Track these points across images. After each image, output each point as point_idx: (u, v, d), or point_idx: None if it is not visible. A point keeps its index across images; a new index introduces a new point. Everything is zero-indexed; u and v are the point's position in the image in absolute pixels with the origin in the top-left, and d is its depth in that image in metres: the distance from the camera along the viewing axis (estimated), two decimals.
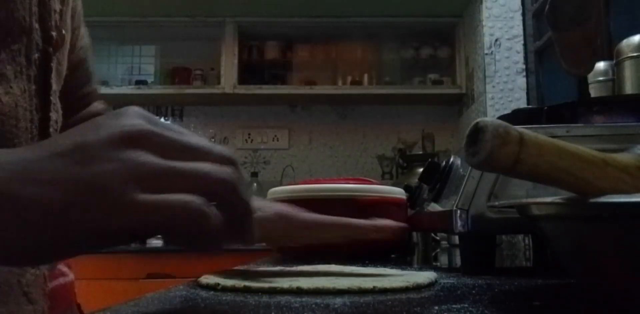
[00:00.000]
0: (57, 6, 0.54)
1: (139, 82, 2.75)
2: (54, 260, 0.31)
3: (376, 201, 0.82)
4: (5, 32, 0.47)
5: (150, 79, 2.85)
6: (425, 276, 0.44)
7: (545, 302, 0.36)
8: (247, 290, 0.39)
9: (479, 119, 0.32)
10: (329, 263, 0.57)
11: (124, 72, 2.91)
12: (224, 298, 0.37)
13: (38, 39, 0.50)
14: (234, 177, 0.32)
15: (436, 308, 0.32)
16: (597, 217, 0.30)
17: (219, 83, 2.65)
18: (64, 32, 0.56)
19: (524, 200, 0.48)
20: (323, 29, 2.79)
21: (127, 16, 2.64)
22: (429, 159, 0.93)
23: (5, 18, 0.46)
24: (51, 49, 0.52)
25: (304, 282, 0.39)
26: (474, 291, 0.39)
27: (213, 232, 0.31)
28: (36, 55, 0.50)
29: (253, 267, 0.57)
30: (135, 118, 0.32)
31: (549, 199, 0.33)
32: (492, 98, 2.31)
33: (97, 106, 0.78)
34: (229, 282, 0.40)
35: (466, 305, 0.32)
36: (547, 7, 0.78)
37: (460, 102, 2.74)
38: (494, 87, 2.32)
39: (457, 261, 0.81)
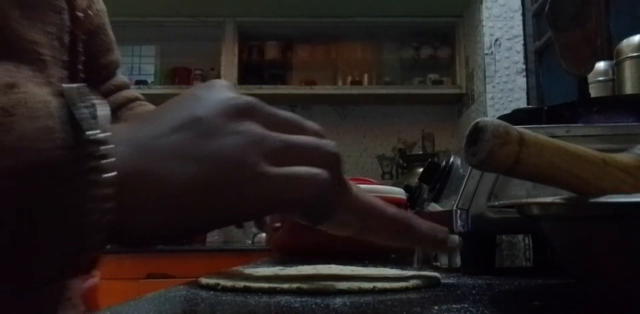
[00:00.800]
0: None
1: (139, 82, 2.75)
2: (183, 238, 0.30)
3: None
4: (40, 11, 0.41)
5: (150, 79, 2.85)
6: (425, 276, 0.44)
7: (545, 302, 0.36)
8: (247, 290, 0.39)
9: (479, 119, 0.32)
10: (329, 263, 0.57)
11: (124, 72, 2.90)
12: (224, 298, 0.37)
13: (67, 20, 0.45)
14: (337, 150, 0.33)
15: (436, 308, 0.32)
16: (597, 217, 0.30)
17: None
18: (90, 12, 0.50)
19: (524, 200, 0.49)
20: (323, 29, 2.80)
21: (127, 16, 2.64)
22: (429, 159, 0.93)
23: None
24: (77, 31, 0.47)
25: (304, 282, 0.39)
26: (474, 291, 0.39)
27: (334, 205, 0.32)
28: (66, 39, 0.45)
29: (253, 267, 0.57)
30: (230, 90, 0.32)
31: (549, 199, 0.33)
32: (492, 98, 2.31)
33: (121, 79, 0.73)
34: (229, 282, 0.40)
35: (466, 305, 0.32)
36: (547, 7, 0.78)
37: (460, 102, 2.74)
38: (494, 87, 2.32)
39: (457, 261, 0.81)
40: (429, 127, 2.69)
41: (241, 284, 0.39)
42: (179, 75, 2.78)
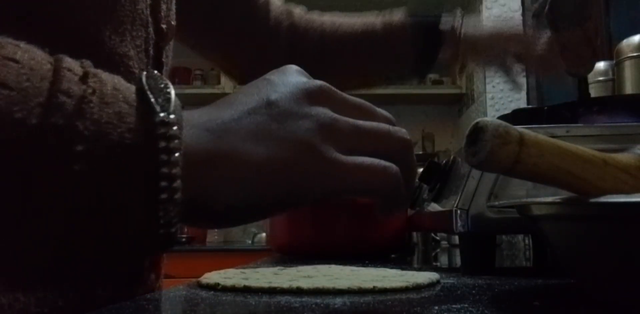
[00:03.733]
0: None
1: None
2: (254, 220, 0.32)
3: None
4: (129, 25, 0.41)
5: None
6: (425, 276, 0.44)
7: (545, 302, 0.36)
8: (247, 290, 0.39)
9: (479, 119, 0.32)
10: (329, 263, 0.57)
11: None
12: (224, 298, 0.37)
13: (152, 32, 0.45)
14: (409, 137, 0.33)
15: (436, 308, 0.32)
16: (597, 217, 0.30)
17: (219, 83, 2.65)
18: (173, 23, 0.49)
19: (524, 200, 0.49)
20: None
21: None
22: (429, 159, 0.93)
23: (129, 10, 0.41)
24: (162, 43, 0.47)
25: (304, 282, 0.39)
26: (474, 291, 0.39)
27: (403, 198, 0.32)
28: (151, 51, 0.45)
29: (253, 267, 0.57)
30: (303, 75, 0.33)
31: (549, 199, 0.33)
32: (492, 98, 2.31)
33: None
34: (229, 282, 0.40)
35: (466, 305, 0.32)
36: (547, 7, 0.78)
37: (460, 102, 2.74)
38: (494, 87, 2.32)
39: (457, 261, 0.81)
40: (429, 127, 2.69)
41: (241, 284, 0.39)
42: (179, 75, 2.78)
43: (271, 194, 0.30)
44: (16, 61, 0.25)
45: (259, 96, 0.31)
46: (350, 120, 0.31)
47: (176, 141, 0.26)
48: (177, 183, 0.26)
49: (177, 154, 0.26)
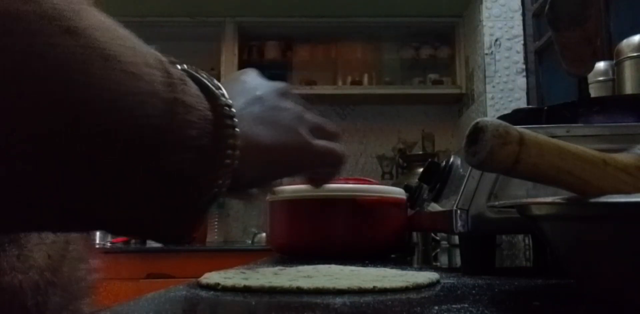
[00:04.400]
0: None
1: None
2: (268, 185, 0.44)
3: (376, 201, 0.82)
4: None
5: None
6: (425, 276, 0.44)
7: (545, 302, 0.36)
8: (247, 290, 0.39)
9: (478, 119, 0.32)
10: (329, 263, 0.57)
11: None
12: (224, 298, 0.37)
13: None
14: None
15: (436, 308, 0.32)
16: (597, 217, 0.30)
17: None
18: None
19: (524, 200, 0.48)
20: (323, 29, 2.79)
21: (127, 16, 2.64)
22: (429, 159, 0.93)
23: None
24: None
25: (304, 282, 0.39)
26: (474, 291, 0.39)
27: (338, 173, 0.44)
28: None
29: (253, 267, 0.57)
30: (263, 77, 0.41)
31: (549, 199, 0.33)
32: (492, 98, 2.31)
33: None
34: (229, 282, 0.40)
35: (466, 305, 0.32)
36: (547, 7, 0.78)
37: (460, 102, 2.74)
38: (494, 87, 2.32)
39: (457, 261, 0.81)
40: (429, 127, 2.69)
41: (241, 284, 0.39)
42: None
43: (279, 165, 0.37)
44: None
45: (248, 92, 0.38)
46: (310, 112, 0.41)
47: (235, 119, 0.31)
48: (237, 152, 0.31)
49: (237, 129, 0.31)
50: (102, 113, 0.25)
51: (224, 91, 0.32)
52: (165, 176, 0.28)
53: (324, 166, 0.42)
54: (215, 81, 0.32)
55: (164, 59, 0.30)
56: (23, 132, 0.23)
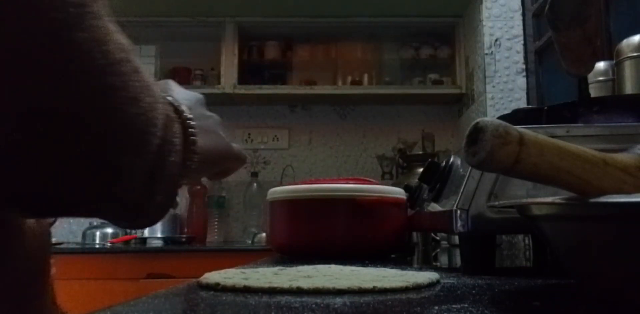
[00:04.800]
0: None
1: None
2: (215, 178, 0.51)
3: (376, 201, 0.82)
4: None
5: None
6: (425, 276, 0.44)
7: (545, 302, 0.36)
8: (247, 290, 0.39)
9: (478, 119, 0.32)
10: (329, 263, 0.57)
11: None
12: (224, 298, 0.37)
13: None
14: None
15: (436, 308, 0.32)
16: (597, 217, 0.30)
17: (219, 83, 2.65)
18: None
19: (524, 200, 0.48)
20: (323, 29, 2.79)
21: (127, 16, 2.63)
22: (429, 159, 0.93)
23: None
24: None
25: (303, 282, 0.39)
26: (474, 291, 0.39)
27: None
28: None
29: (253, 267, 0.57)
30: (179, 87, 0.47)
31: (549, 199, 0.33)
32: (492, 98, 2.31)
33: None
34: (229, 282, 0.40)
35: (466, 305, 0.32)
36: (547, 7, 0.78)
37: (460, 102, 2.74)
38: (494, 87, 2.32)
39: (457, 261, 0.81)
40: (429, 127, 2.69)
41: (241, 284, 0.39)
42: (179, 75, 2.78)
43: (207, 164, 0.43)
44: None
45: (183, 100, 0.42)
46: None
47: (195, 129, 0.38)
48: (196, 156, 0.38)
49: (196, 138, 0.38)
50: (141, 130, 0.32)
51: (184, 107, 0.38)
52: (159, 176, 0.34)
53: (235, 164, 0.49)
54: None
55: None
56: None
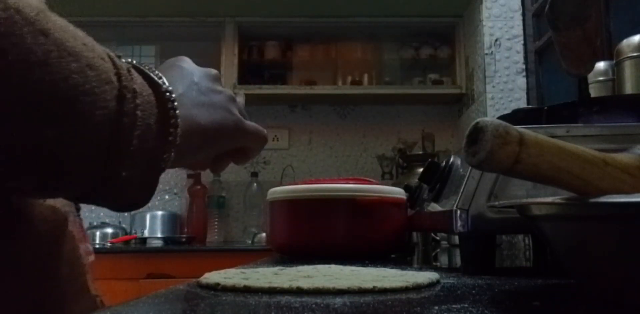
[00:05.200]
0: None
1: None
2: (205, 164, 0.49)
3: (376, 201, 0.82)
4: None
5: None
6: (425, 276, 0.44)
7: (545, 302, 0.36)
8: (247, 290, 0.39)
9: (478, 119, 0.32)
10: (329, 263, 0.57)
11: None
12: (224, 298, 0.37)
13: None
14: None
15: (436, 308, 0.32)
16: (597, 217, 0.30)
17: None
18: None
19: (524, 200, 0.48)
20: (323, 29, 2.79)
21: (127, 16, 2.64)
22: (429, 159, 0.93)
23: None
24: None
25: (304, 282, 0.39)
26: (474, 291, 0.39)
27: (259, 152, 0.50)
28: None
29: (253, 267, 0.57)
30: (194, 63, 0.46)
31: (549, 199, 0.33)
32: (492, 98, 2.31)
33: None
34: (229, 282, 0.40)
35: (466, 305, 0.32)
36: (547, 7, 0.78)
37: (460, 102, 2.74)
38: (494, 87, 2.32)
39: (457, 261, 0.81)
40: (429, 127, 2.69)
41: (241, 284, 0.39)
42: None
43: (213, 142, 0.42)
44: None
45: (185, 78, 0.42)
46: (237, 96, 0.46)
47: (175, 103, 0.36)
48: (179, 131, 0.36)
49: (177, 111, 0.36)
50: (68, 99, 0.29)
51: (165, 80, 0.36)
52: (116, 150, 0.32)
53: (251, 143, 0.47)
54: (157, 71, 0.37)
55: (112, 54, 0.34)
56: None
